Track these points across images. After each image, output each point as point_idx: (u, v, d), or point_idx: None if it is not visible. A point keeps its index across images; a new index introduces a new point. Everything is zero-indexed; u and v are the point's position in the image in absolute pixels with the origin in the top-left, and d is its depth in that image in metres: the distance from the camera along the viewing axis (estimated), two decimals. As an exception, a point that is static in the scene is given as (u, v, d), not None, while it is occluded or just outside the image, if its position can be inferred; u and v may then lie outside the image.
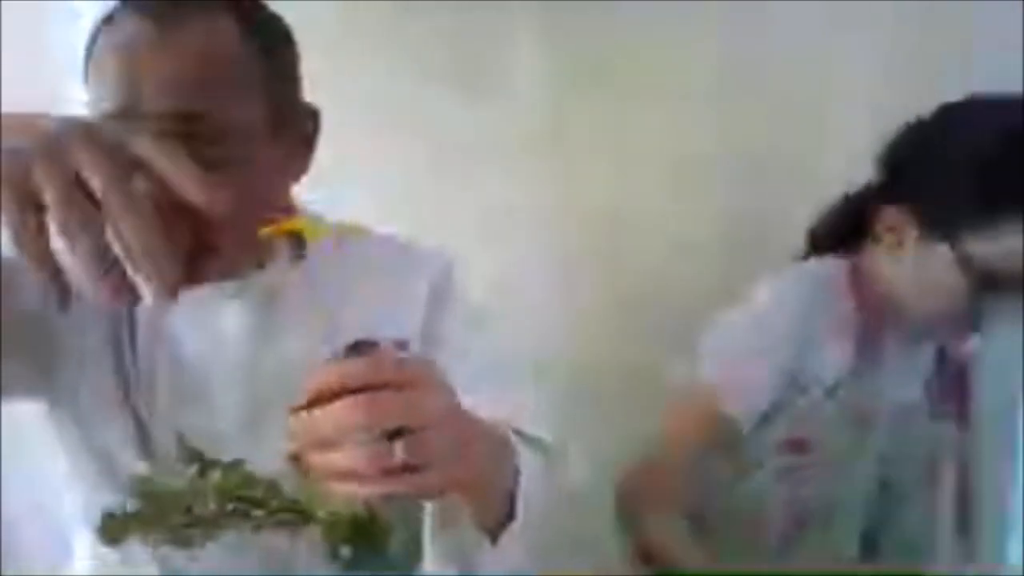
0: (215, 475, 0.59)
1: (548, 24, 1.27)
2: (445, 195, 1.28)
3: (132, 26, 0.65)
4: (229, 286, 0.74)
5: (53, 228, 0.39)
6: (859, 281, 0.95)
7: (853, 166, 1.26)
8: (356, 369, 0.48)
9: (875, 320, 0.95)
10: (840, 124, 1.25)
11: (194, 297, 0.73)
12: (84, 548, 0.78)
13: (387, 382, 0.48)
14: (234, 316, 0.74)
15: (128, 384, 0.71)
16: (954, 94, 1.21)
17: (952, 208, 0.86)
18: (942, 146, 0.89)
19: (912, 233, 0.89)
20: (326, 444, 0.48)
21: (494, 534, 0.62)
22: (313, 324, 0.74)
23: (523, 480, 0.63)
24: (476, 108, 1.27)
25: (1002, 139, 0.84)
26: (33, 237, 0.39)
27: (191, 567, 0.72)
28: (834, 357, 0.92)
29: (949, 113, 0.90)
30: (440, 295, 0.83)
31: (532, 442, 0.72)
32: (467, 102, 1.27)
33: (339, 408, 0.47)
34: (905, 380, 0.98)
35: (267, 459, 0.69)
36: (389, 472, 0.47)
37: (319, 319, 0.74)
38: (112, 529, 0.61)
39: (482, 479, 0.61)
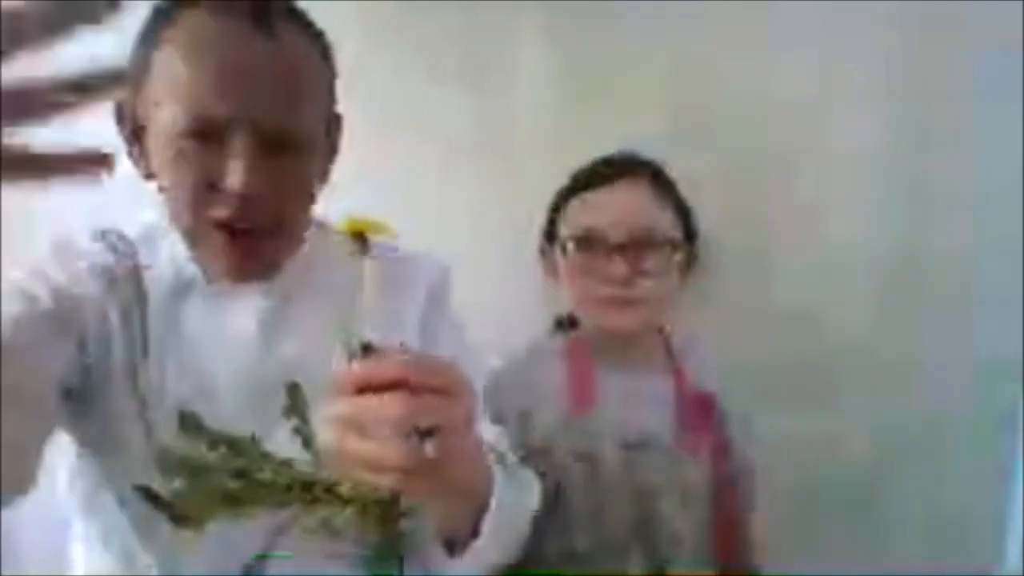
0: (221, 450, 0.59)
1: (553, 24, 1.27)
2: (450, 194, 1.28)
3: (228, 31, 0.65)
4: (254, 287, 0.74)
5: None
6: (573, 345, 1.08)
7: (854, 166, 1.26)
8: (406, 366, 0.51)
9: (582, 364, 1.05)
10: (840, 124, 1.25)
11: (211, 293, 0.74)
12: (81, 550, 0.78)
13: (430, 383, 0.51)
14: (250, 315, 0.75)
15: (136, 374, 0.71)
16: (954, 94, 1.22)
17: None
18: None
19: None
20: (362, 432, 0.51)
21: (453, 550, 0.65)
22: (321, 327, 0.75)
23: (494, 500, 0.65)
24: (482, 107, 1.27)
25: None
26: None
27: (194, 567, 0.72)
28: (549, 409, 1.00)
29: None
30: (436, 299, 0.86)
31: (508, 466, 0.73)
32: (473, 101, 1.27)
33: (387, 399, 0.50)
34: (632, 416, 1.01)
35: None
36: (415, 467, 0.50)
37: (327, 322, 0.74)
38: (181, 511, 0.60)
39: (472, 487, 0.64)
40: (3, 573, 1.28)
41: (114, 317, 0.71)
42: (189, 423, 0.60)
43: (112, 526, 0.73)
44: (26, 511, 0.63)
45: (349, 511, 0.57)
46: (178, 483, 0.59)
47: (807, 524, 1.23)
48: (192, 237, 0.71)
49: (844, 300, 1.27)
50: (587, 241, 1.02)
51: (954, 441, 1.25)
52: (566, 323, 1.15)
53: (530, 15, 1.26)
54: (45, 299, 0.67)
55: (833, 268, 1.27)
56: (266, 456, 0.58)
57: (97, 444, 0.72)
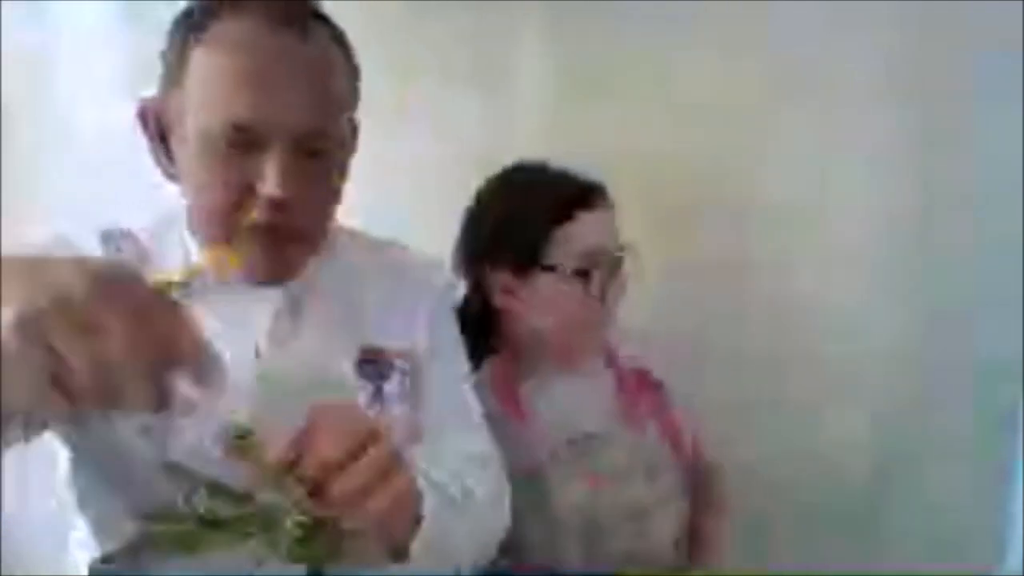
0: (202, 498, 0.59)
1: (557, 25, 1.27)
2: (458, 194, 1.27)
3: (262, 35, 0.65)
4: (271, 292, 0.74)
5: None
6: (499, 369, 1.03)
7: (854, 166, 1.26)
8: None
9: (507, 385, 1.01)
10: (840, 124, 1.25)
11: (224, 298, 0.74)
12: (79, 551, 0.77)
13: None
14: (262, 319, 0.74)
15: None
16: (954, 94, 1.22)
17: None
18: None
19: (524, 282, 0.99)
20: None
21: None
22: (330, 330, 0.75)
23: (424, 524, 0.64)
24: (488, 108, 1.27)
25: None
26: None
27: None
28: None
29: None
30: (444, 306, 0.86)
31: (439, 489, 0.71)
32: (482, 102, 1.27)
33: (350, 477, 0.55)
34: (576, 412, 1.01)
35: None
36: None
37: (336, 325, 0.74)
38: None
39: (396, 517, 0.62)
40: (3, 573, 1.28)
41: None
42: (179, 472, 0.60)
43: (109, 520, 0.73)
44: (26, 511, 0.63)
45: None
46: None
47: (807, 525, 1.23)
48: (218, 239, 0.70)
49: (844, 301, 1.27)
50: (591, 264, 0.98)
51: (954, 441, 1.25)
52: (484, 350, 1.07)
53: (534, 16, 1.26)
54: None
55: (833, 268, 1.27)
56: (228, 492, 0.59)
57: (94, 447, 0.72)
